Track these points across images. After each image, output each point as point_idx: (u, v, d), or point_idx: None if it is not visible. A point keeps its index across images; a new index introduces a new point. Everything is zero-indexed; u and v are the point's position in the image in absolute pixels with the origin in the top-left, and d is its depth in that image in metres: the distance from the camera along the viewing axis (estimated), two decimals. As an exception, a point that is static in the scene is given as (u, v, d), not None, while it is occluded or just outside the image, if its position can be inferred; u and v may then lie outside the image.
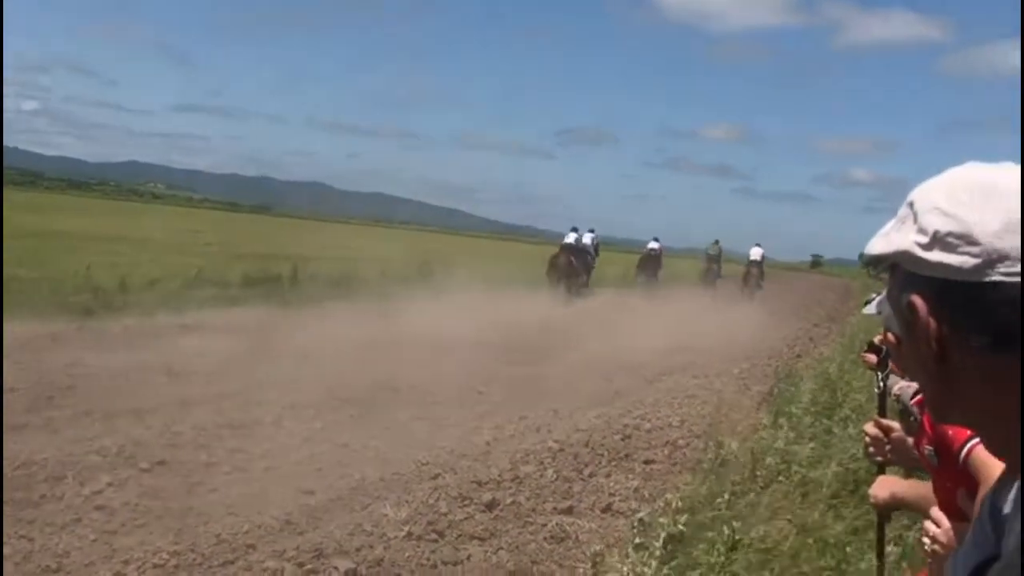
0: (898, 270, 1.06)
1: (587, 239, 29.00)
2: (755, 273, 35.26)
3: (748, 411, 11.10)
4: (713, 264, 36.83)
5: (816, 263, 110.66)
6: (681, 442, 9.51)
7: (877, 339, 3.81)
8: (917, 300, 1.02)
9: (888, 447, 2.93)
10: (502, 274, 26.66)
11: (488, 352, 13.99)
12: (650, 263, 33.48)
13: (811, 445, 8.37)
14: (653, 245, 34.26)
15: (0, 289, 13.94)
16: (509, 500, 7.22)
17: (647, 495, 7.58)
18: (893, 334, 1.10)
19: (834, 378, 12.08)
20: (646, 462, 8.70)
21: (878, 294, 2.72)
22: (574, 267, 26.95)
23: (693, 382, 13.45)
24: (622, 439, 9.52)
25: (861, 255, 1.11)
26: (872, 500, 2.93)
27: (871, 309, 2.68)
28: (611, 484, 7.92)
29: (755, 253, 35.99)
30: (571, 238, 27.84)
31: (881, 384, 3.22)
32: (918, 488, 2.76)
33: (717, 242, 38.40)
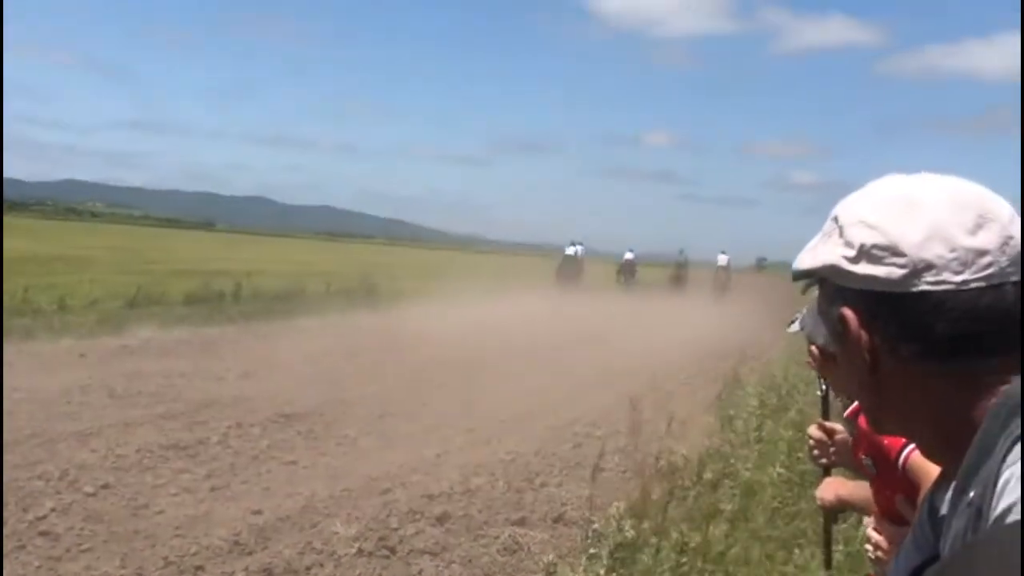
0: (827, 284, 1.08)
1: (580, 251, 39.87)
2: (722, 277, 41.58)
3: (697, 415, 11.17)
4: (681, 270, 44.65)
5: (761, 266, 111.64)
6: (631, 448, 9.55)
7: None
8: (848, 313, 1.04)
9: (832, 450, 2.96)
10: (452, 284, 26.76)
11: (436, 364, 13.97)
12: (627, 269, 42.36)
13: (757, 448, 8.47)
14: (629, 256, 43.11)
15: (0, 311, 13.67)
16: (460, 513, 7.21)
17: (599, 503, 7.60)
18: (818, 347, 1.13)
19: (780, 381, 12.23)
20: (597, 470, 8.72)
21: (801, 313, 2.76)
22: (575, 272, 37.66)
23: (644, 387, 13.51)
24: (573, 447, 9.56)
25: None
26: (819, 502, 2.97)
27: (795, 328, 2.72)
28: (563, 494, 7.94)
29: (722, 260, 43.07)
30: (571, 251, 39.29)
31: (824, 386, 3.22)
32: (863, 490, 2.79)
33: (683, 251, 46.69)
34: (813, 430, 3.03)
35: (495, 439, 9.71)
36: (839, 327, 1.05)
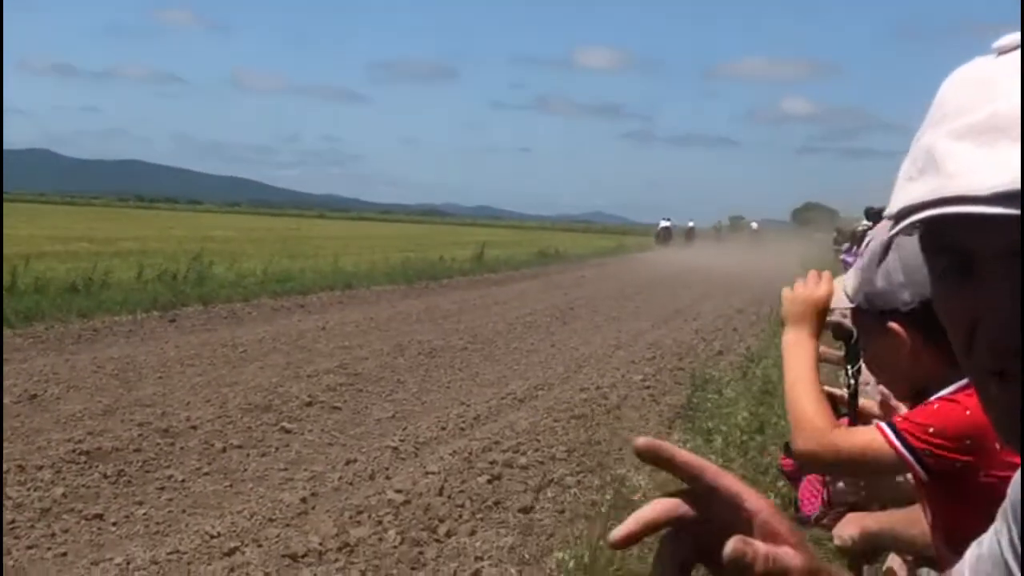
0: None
1: (671, 223, 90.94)
2: (756, 237, 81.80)
3: (658, 432, 11.23)
4: (719, 232, 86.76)
5: (736, 227, 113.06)
6: (569, 479, 9.57)
7: (838, 315, 3.10)
8: None
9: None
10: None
11: (291, 373, 13.89)
12: (663, 234, 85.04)
13: (743, 473, 8.53)
14: (665, 223, 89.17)
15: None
16: (338, 579, 7.15)
17: (528, 556, 7.59)
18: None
19: (774, 380, 12.32)
20: (523, 510, 8.71)
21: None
22: (668, 238, 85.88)
23: (581, 396, 13.56)
24: (489, 481, 9.53)
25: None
26: (837, 542, 2.86)
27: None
28: (477, 544, 7.91)
29: (753, 225, 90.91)
30: (665, 224, 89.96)
31: (852, 381, 2.99)
32: (894, 518, 2.73)
33: (720, 221, 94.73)
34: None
35: (380, 473, 9.67)
36: None
